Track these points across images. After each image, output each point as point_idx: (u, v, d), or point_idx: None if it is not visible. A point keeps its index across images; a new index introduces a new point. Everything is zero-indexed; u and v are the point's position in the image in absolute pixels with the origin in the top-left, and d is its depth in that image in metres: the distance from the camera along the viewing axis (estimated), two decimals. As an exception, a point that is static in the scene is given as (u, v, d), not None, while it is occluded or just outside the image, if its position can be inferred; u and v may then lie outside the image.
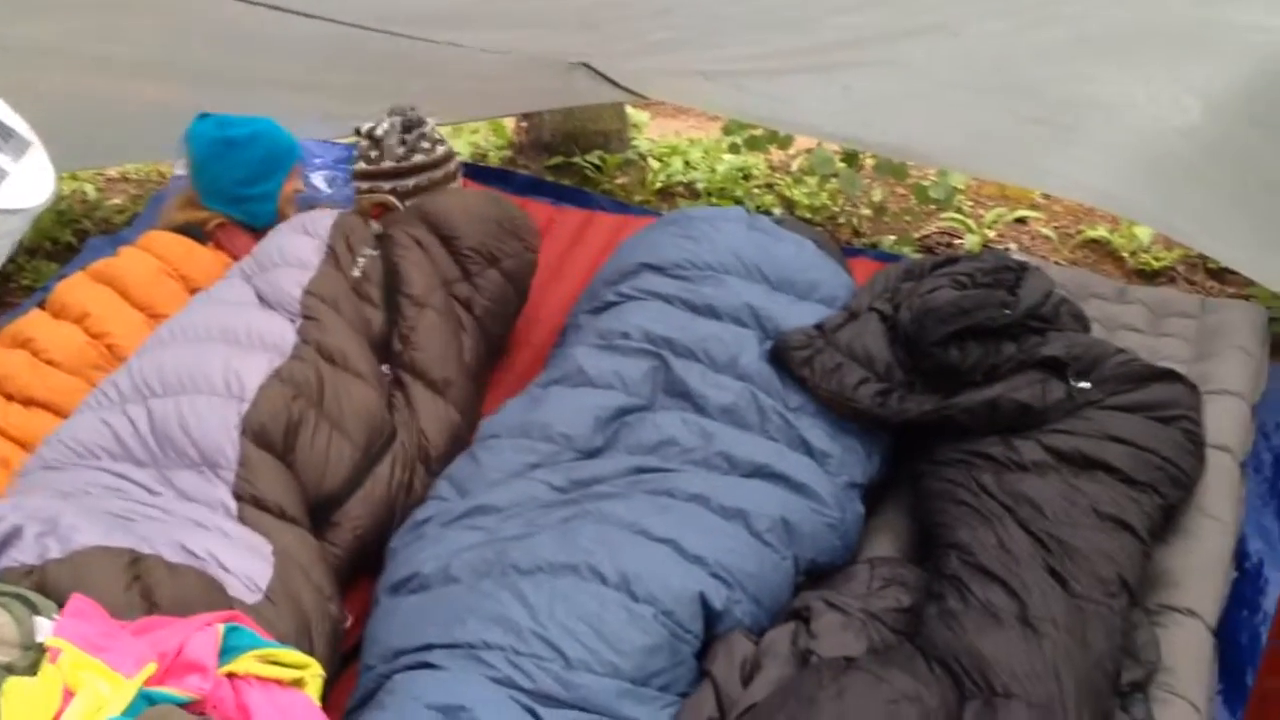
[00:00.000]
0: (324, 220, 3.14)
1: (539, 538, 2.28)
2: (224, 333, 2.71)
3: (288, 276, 2.91)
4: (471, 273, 3.12)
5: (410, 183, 3.39)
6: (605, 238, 3.76)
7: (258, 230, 3.29)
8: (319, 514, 2.54)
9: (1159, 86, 2.28)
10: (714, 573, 2.28)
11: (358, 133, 3.45)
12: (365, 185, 3.42)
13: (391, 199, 3.38)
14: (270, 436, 2.48)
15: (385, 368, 2.95)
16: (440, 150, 3.45)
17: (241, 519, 2.36)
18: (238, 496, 2.39)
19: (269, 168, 3.32)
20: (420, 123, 3.43)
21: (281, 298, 2.86)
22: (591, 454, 2.64)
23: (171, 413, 2.47)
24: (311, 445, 2.54)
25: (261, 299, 2.89)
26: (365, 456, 2.62)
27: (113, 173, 4.99)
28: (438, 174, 3.43)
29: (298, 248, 3.02)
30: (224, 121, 3.28)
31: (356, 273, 3.02)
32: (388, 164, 3.37)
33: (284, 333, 2.74)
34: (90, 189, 4.77)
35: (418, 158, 3.39)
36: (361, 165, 3.42)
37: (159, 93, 3.57)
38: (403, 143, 3.39)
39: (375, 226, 3.19)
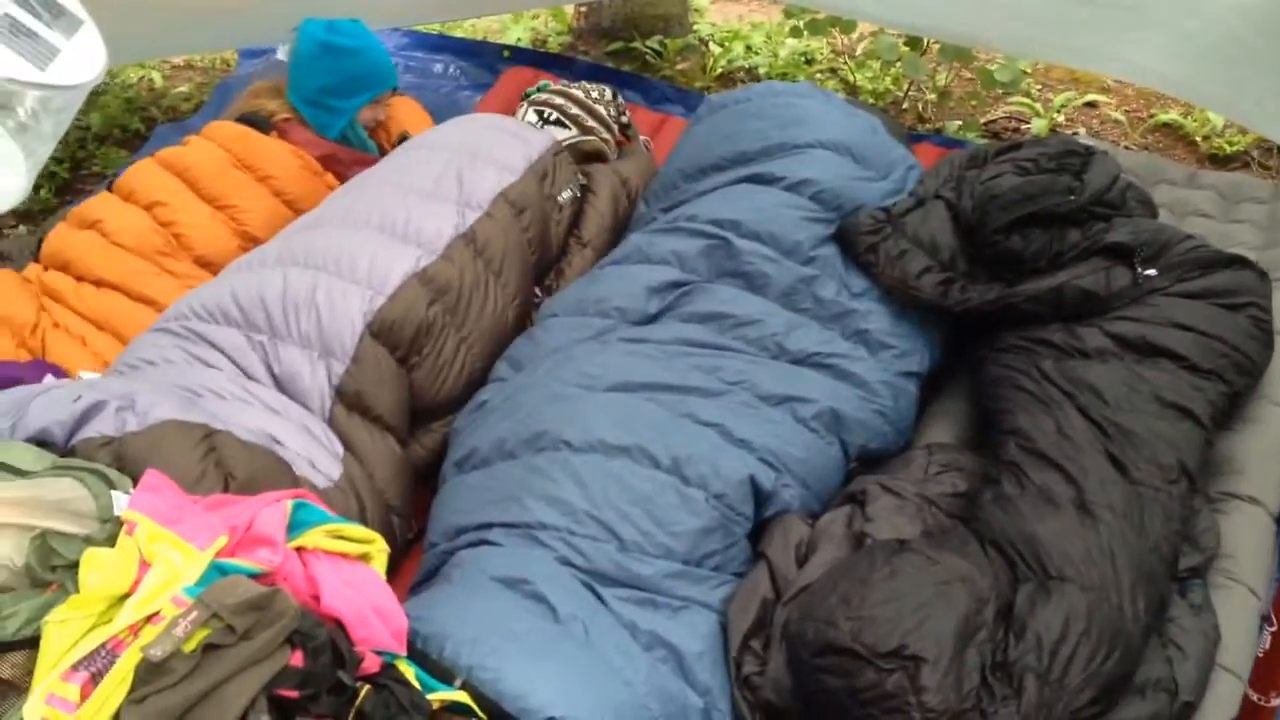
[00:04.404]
0: (539, 136, 3.17)
1: (593, 415, 2.29)
2: (383, 219, 2.71)
3: (488, 174, 2.90)
4: None
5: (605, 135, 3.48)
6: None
7: (323, 135, 3.32)
8: (419, 417, 2.59)
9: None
10: (761, 457, 2.31)
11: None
12: (591, 122, 3.45)
13: (607, 150, 3.46)
14: (396, 336, 2.49)
15: (537, 290, 2.99)
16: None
17: (331, 417, 2.41)
18: (339, 391, 2.42)
19: (356, 87, 3.34)
20: None
21: (473, 192, 2.85)
22: (645, 322, 2.65)
23: (307, 285, 2.49)
24: (438, 354, 2.56)
25: (440, 184, 2.87)
26: (484, 375, 2.65)
27: (178, 61, 4.99)
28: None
29: (505, 148, 3.02)
30: (335, 28, 3.31)
31: (560, 199, 3.07)
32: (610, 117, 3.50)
33: (441, 228, 2.71)
34: (157, 77, 4.78)
35: (615, 126, 3.53)
36: (601, 110, 3.48)
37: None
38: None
39: (581, 176, 3.24)
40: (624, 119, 3.58)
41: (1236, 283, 2.55)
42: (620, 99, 3.61)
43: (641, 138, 3.73)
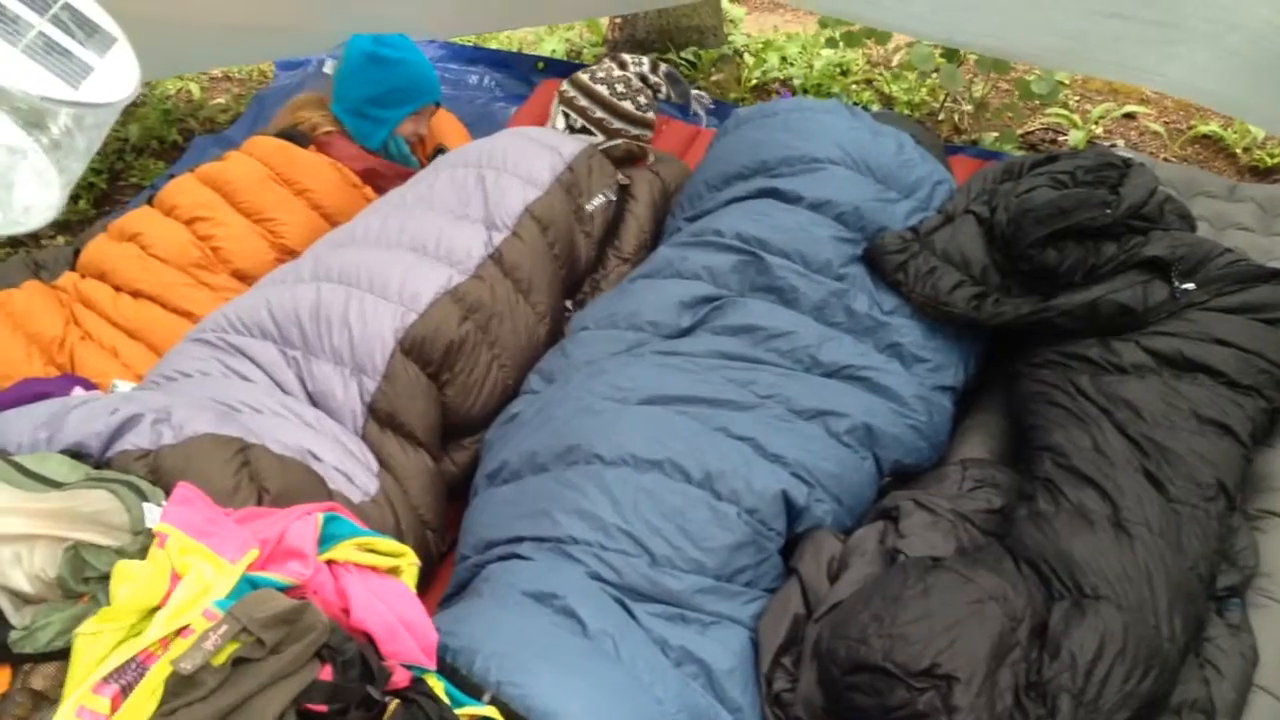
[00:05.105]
0: (570, 143, 3.15)
1: (625, 429, 2.29)
2: (414, 239, 2.73)
3: (514, 189, 2.90)
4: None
5: (635, 132, 3.36)
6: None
7: (364, 147, 3.35)
8: (452, 433, 2.59)
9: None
10: (794, 472, 2.29)
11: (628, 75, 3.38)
12: (618, 124, 3.32)
13: (648, 149, 3.40)
14: (428, 353, 2.50)
15: (569, 303, 2.99)
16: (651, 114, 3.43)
17: (364, 433, 2.42)
18: (371, 407, 2.43)
19: (399, 98, 3.37)
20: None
21: (499, 209, 2.85)
22: (678, 335, 2.63)
23: (340, 301, 2.51)
24: (470, 371, 2.57)
25: (469, 204, 2.87)
26: (515, 392, 2.65)
27: (216, 73, 5.04)
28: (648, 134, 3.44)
29: (531, 160, 3.01)
30: (381, 40, 3.36)
31: (589, 208, 3.05)
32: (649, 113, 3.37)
33: (471, 248, 2.73)
34: (195, 88, 4.82)
35: (651, 114, 3.40)
36: (628, 105, 3.31)
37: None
38: (666, 97, 3.43)
39: (621, 177, 3.20)
40: (660, 95, 3.40)
41: (1276, 297, 2.52)
42: (659, 72, 3.39)
43: (693, 93, 3.58)
